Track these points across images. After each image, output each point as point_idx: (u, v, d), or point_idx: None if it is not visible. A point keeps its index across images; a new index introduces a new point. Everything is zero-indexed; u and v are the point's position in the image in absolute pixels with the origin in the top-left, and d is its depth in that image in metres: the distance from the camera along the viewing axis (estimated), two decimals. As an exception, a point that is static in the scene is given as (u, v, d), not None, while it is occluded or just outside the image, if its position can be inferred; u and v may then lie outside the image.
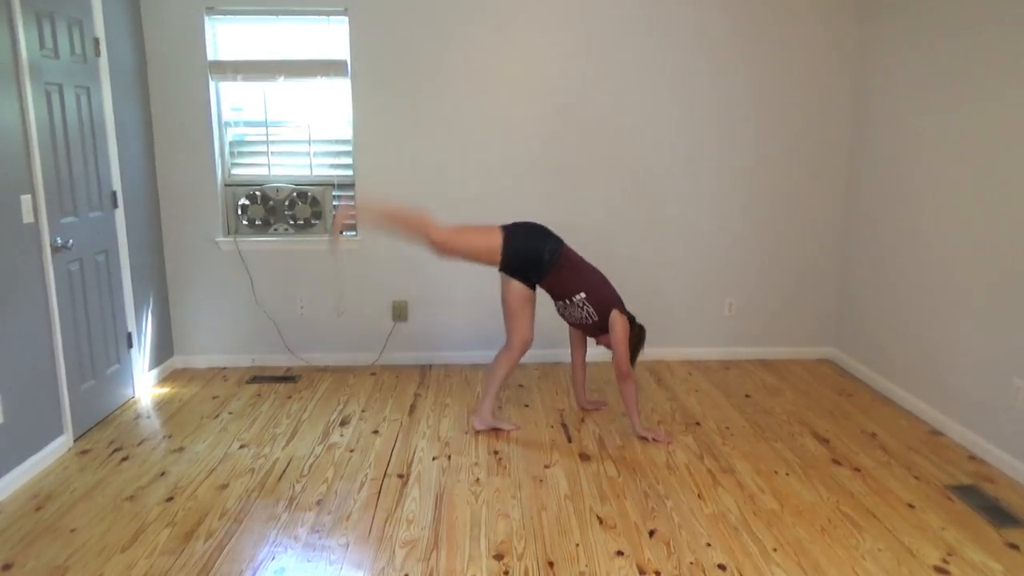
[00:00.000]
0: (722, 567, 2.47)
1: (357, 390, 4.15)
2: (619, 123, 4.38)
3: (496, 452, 3.35)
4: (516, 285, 3.37)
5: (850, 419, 3.73)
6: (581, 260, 3.45)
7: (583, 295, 3.37)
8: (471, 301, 4.55)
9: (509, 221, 3.71)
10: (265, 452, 3.35)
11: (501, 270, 3.38)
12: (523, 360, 4.63)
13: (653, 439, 3.44)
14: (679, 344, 4.69)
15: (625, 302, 4.58)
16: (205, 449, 3.38)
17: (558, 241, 3.39)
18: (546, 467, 3.21)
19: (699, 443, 3.44)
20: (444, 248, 3.29)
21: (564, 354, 4.63)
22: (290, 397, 4.04)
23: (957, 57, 3.47)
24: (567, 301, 3.42)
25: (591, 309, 3.39)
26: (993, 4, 3.23)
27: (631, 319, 3.44)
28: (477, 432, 3.55)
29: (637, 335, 3.44)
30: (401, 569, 2.46)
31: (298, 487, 3.03)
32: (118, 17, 3.88)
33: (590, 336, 3.58)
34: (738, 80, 4.35)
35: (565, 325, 4.60)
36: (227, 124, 4.39)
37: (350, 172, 4.42)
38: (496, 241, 3.30)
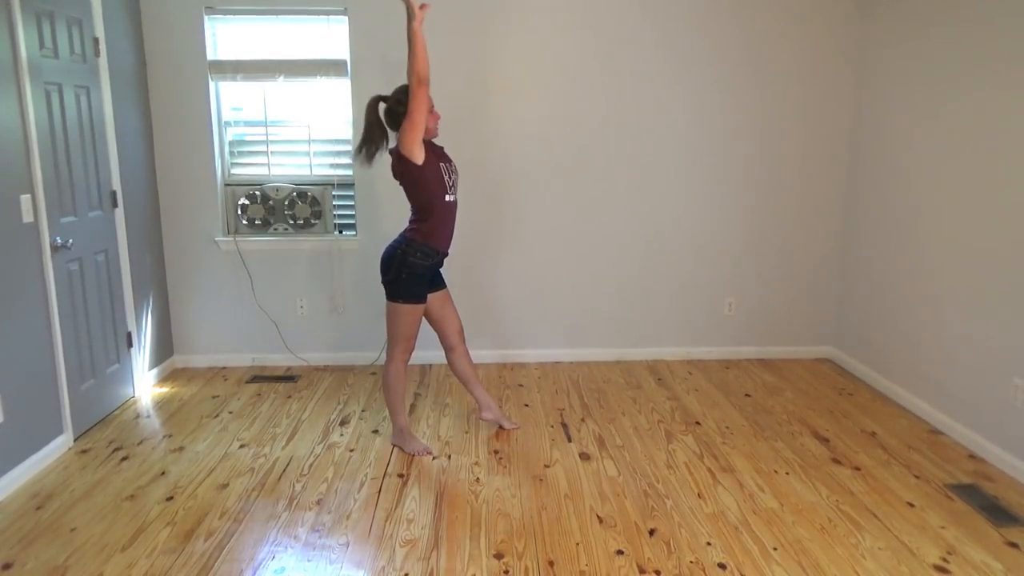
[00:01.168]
0: (722, 566, 2.47)
1: (357, 389, 4.15)
2: (620, 124, 4.37)
3: (496, 452, 3.35)
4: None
5: (850, 418, 3.73)
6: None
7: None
8: (470, 301, 4.54)
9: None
10: (265, 452, 3.35)
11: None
12: (522, 360, 4.64)
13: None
14: (679, 343, 4.69)
15: (625, 300, 4.60)
16: (205, 449, 3.38)
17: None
18: (546, 466, 3.21)
19: (699, 442, 3.44)
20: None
21: (563, 354, 4.63)
22: (290, 397, 4.04)
23: (957, 58, 3.47)
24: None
25: (454, 175, 3.21)
26: (994, 2, 3.23)
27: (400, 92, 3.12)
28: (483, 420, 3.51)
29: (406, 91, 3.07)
30: (401, 568, 2.46)
31: (298, 486, 3.03)
32: (118, 17, 3.88)
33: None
34: (739, 81, 4.35)
35: (567, 324, 4.60)
36: (227, 124, 4.39)
37: (350, 172, 4.42)
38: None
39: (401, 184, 3.20)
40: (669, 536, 2.65)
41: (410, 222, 3.23)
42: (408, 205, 3.26)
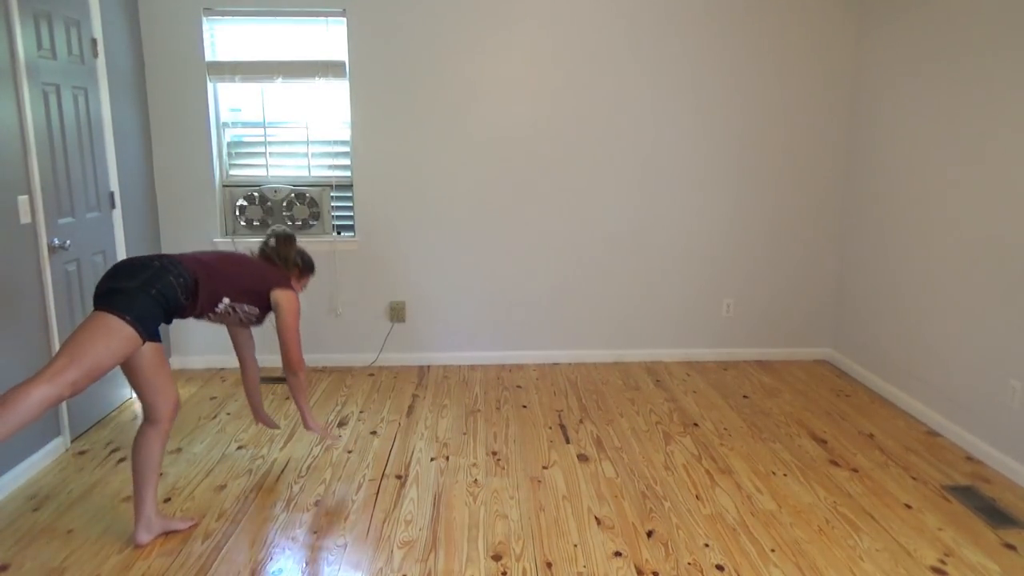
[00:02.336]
0: (720, 568, 2.47)
1: (355, 391, 4.15)
2: (618, 124, 4.38)
3: (494, 453, 3.35)
4: (149, 347, 2.43)
5: (848, 420, 3.74)
6: (208, 259, 2.61)
7: (227, 301, 2.63)
8: (469, 302, 4.55)
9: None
10: (263, 453, 3.35)
11: (146, 341, 2.36)
12: (522, 360, 4.64)
13: (328, 439, 3.18)
14: (677, 345, 4.69)
15: (623, 301, 4.59)
16: (203, 450, 3.38)
17: (167, 262, 2.45)
18: (544, 468, 3.21)
19: (697, 444, 3.45)
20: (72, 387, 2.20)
21: (561, 355, 4.63)
22: (288, 398, 4.03)
23: (956, 58, 3.48)
24: (211, 315, 2.64)
25: (245, 308, 2.71)
26: (994, 4, 3.24)
27: (302, 267, 2.96)
28: (141, 546, 2.59)
29: (305, 259, 2.99)
30: (399, 570, 2.46)
31: (296, 488, 3.03)
32: (116, 18, 3.88)
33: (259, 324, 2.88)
34: (737, 82, 4.36)
35: (566, 325, 4.60)
36: (225, 125, 4.39)
37: (348, 173, 4.42)
38: (121, 330, 2.26)
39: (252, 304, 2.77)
40: (667, 537, 2.66)
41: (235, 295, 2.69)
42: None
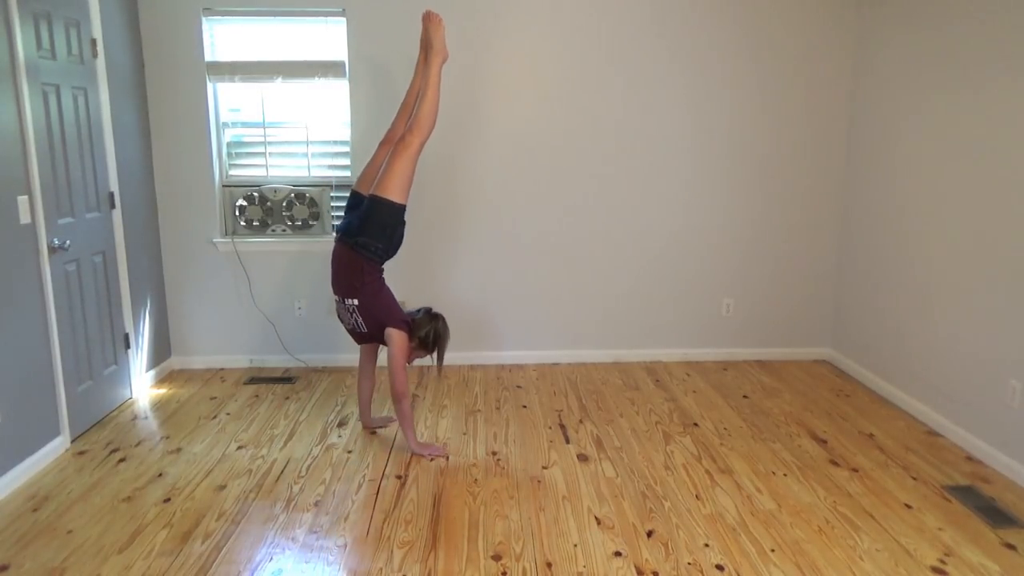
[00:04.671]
0: (720, 567, 2.47)
1: (355, 391, 4.15)
2: (618, 123, 4.38)
3: (494, 453, 3.35)
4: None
5: (848, 420, 3.74)
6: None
7: (355, 302, 3.28)
8: (469, 302, 4.55)
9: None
10: (263, 453, 3.35)
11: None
12: (521, 361, 4.64)
13: (429, 455, 3.31)
14: (677, 345, 4.69)
15: (623, 301, 4.59)
16: (203, 450, 3.38)
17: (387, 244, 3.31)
18: (544, 468, 3.21)
19: (697, 444, 3.45)
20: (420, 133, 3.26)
21: (561, 355, 4.64)
22: (288, 398, 4.03)
23: (955, 60, 3.48)
24: (343, 302, 3.33)
25: (359, 319, 3.31)
26: (995, 6, 3.23)
27: (433, 323, 3.33)
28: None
29: (434, 341, 3.33)
30: (399, 570, 2.46)
31: (296, 488, 3.03)
32: (115, 18, 3.88)
33: (363, 343, 3.48)
34: (736, 82, 4.36)
35: (566, 325, 4.60)
36: (225, 125, 4.39)
37: (348, 173, 4.42)
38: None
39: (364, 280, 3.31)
40: (667, 537, 2.66)
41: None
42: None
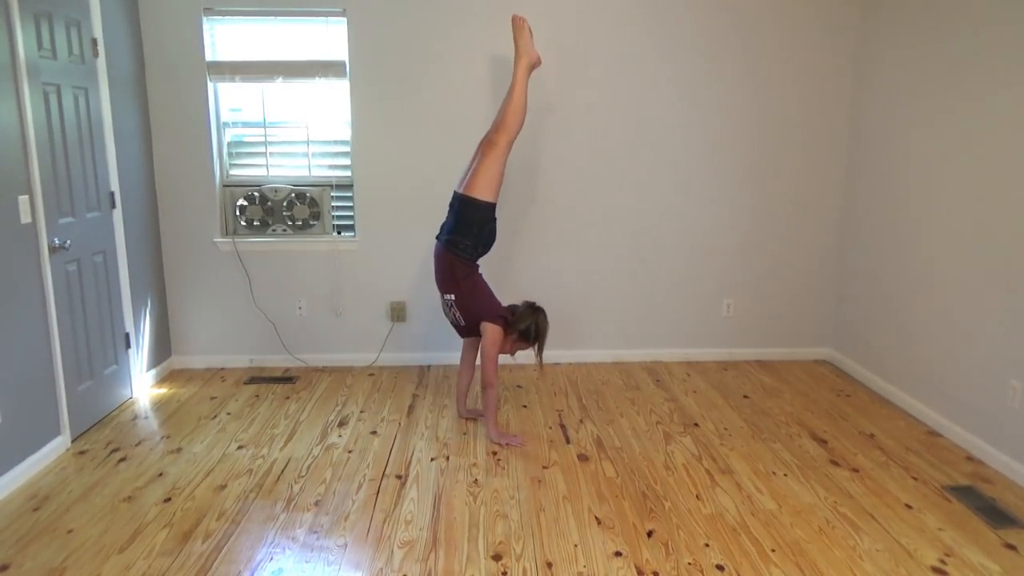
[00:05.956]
0: (720, 567, 2.47)
1: (355, 391, 4.15)
2: (618, 123, 4.38)
3: (494, 453, 3.35)
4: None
5: (848, 420, 3.74)
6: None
7: (451, 297, 3.47)
8: (469, 302, 4.54)
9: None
10: (263, 453, 3.35)
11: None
12: (521, 362, 4.63)
13: (507, 443, 3.42)
14: (677, 345, 4.69)
15: (623, 301, 4.59)
16: (203, 450, 3.38)
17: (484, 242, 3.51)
18: (544, 468, 3.21)
19: (697, 444, 3.45)
20: (506, 133, 3.43)
21: (561, 355, 4.64)
22: (288, 398, 4.04)
23: (955, 60, 3.48)
24: (444, 296, 3.53)
25: (458, 314, 3.49)
26: (994, 5, 3.24)
27: (534, 316, 3.45)
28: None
29: (535, 334, 3.46)
30: (399, 570, 2.46)
31: (296, 488, 3.03)
32: (116, 18, 3.88)
33: (465, 337, 3.64)
34: (738, 81, 4.36)
35: (567, 325, 4.60)
36: (225, 125, 4.39)
37: (348, 173, 4.42)
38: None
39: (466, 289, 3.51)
40: (667, 537, 2.65)
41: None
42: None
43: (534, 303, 3.53)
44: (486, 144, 3.47)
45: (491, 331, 3.40)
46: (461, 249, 3.42)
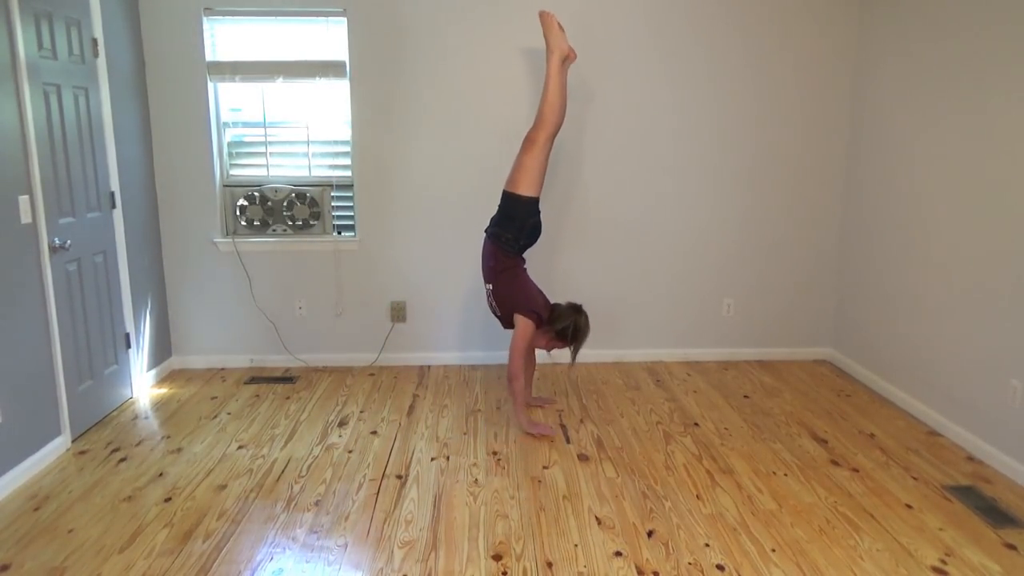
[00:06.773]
0: (720, 567, 2.47)
1: (355, 391, 4.15)
2: (618, 123, 4.38)
3: (495, 453, 3.35)
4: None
5: (848, 420, 3.74)
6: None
7: (490, 287, 3.57)
8: (469, 301, 4.55)
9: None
10: (263, 453, 3.35)
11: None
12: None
13: (538, 434, 3.50)
14: (677, 345, 4.69)
15: (623, 301, 4.60)
16: (203, 450, 3.38)
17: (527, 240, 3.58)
18: (544, 468, 3.21)
19: (697, 444, 3.45)
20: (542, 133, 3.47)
21: (562, 355, 4.62)
22: (288, 398, 4.04)
23: (956, 60, 3.48)
24: (488, 285, 3.60)
25: (494, 303, 3.57)
26: (993, 6, 3.23)
27: (574, 316, 3.48)
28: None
29: (572, 335, 3.48)
30: (400, 570, 2.46)
31: (296, 488, 3.03)
32: (116, 18, 3.88)
33: (506, 328, 3.66)
34: (738, 81, 4.36)
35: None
36: (225, 125, 4.39)
37: (348, 173, 4.42)
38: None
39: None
40: (667, 537, 2.65)
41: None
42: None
43: (578, 305, 3.56)
44: (526, 140, 3.51)
45: (522, 324, 3.44)
46: (504, 241, 3.51)
